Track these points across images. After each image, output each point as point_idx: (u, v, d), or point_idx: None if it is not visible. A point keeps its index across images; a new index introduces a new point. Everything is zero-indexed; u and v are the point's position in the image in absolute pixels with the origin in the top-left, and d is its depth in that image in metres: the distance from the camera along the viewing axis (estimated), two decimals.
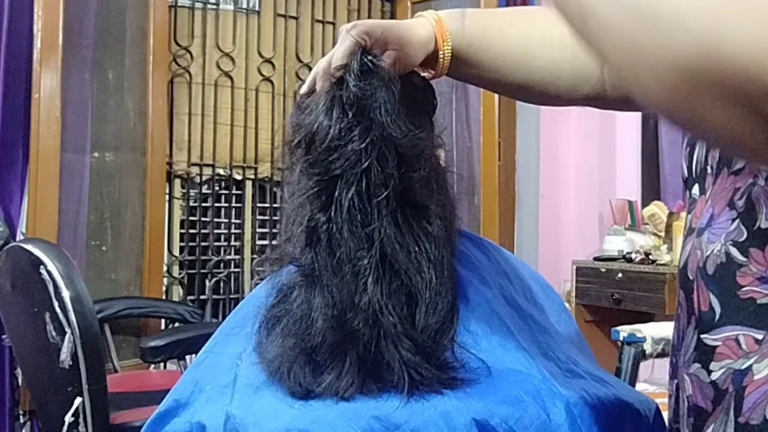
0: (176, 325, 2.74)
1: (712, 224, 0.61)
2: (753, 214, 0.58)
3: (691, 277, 0.63)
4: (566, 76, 0.80)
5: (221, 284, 3.16)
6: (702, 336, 0.61)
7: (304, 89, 0.73)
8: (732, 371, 0.58)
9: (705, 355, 0.60)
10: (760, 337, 0.56)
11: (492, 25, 0.79)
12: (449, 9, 0.78)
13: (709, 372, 0.60)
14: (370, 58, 0.67)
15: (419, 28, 0.74)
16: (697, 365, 0.61)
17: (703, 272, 0.61)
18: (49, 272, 1.84)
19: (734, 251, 0.58)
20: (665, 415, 0.72)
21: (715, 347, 0.59)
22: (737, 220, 0.59)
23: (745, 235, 0.58)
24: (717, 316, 0.59)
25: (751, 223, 0.58)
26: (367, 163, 0.64)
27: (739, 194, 0.59)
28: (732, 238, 0.59)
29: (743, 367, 0.57)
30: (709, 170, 0.64)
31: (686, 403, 0.62)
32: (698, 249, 0.62)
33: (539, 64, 0.79)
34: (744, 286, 0.58)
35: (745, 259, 0.58)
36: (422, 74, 0.78)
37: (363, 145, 0.64)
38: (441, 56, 0.75)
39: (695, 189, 0.66)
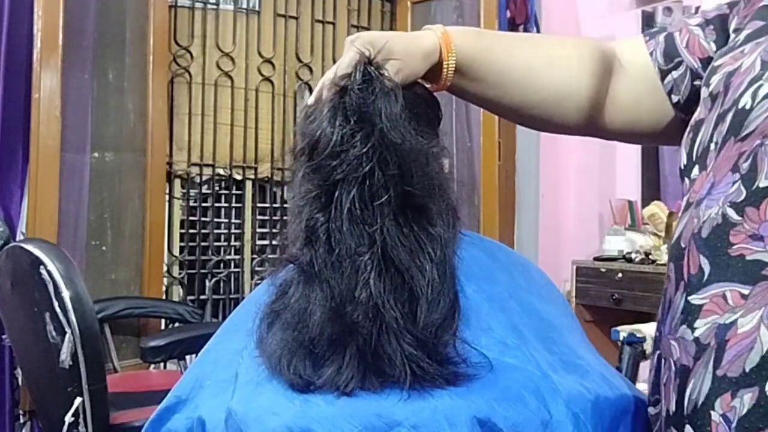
0: (176, 325, 2.74)
1: (711, 192, 0.61)
2: (755, 174, 0.58)
3: (683, 245, 0.63)
4: (573, 99, 0.80)
5: (221, 284, 3.16)
6: (689, 297, 0.61)
7: (311, 99, 0.74)
8: (716, 325, 0.58)
9: (691, 315, 0.61)
10: (746, 292, 0.57)
11: (498, 43, 0.80)
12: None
13: (693, 330, 0.60)
14: (372, 67, 0.68)
15: (424, 40, 0.76)
16: (683, 327, 0.61)
17: (696, 237, 0.62)
18: (49, 272, 1.84)
19: (730, 212, 0.59)
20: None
21: (701, 305, 0.60)
22: (738, 182, 0.59)
23: (743, 196, 0.58)
24: (705, 276, 0.60)
25: (751, 183, 0.58)
26: (368, 167, 0.65)
27: (744, 157, 0.59)
28: (730, 200, 0.59)
29: (728, 321, 0.57)
30: (712, 147, 0.64)
31: (674, 368, 0.62)
32: (695, 218, 0.62)
33: (544, 83, 0.79)
34: (735, 244, 0.58)
35: (739, 218, 0.58)
36: (426, 86, 0.79)
37: (364, 150, 0.65)
38: (445, 67, 0.76)
39: (695, 171, 0.66)
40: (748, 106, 0.60)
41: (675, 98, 0.79)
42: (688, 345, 0.60)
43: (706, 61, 0.75)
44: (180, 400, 0.71)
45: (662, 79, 0.79)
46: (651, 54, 0.79)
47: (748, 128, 0.59)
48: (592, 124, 0.82)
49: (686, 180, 0.68)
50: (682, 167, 0.69)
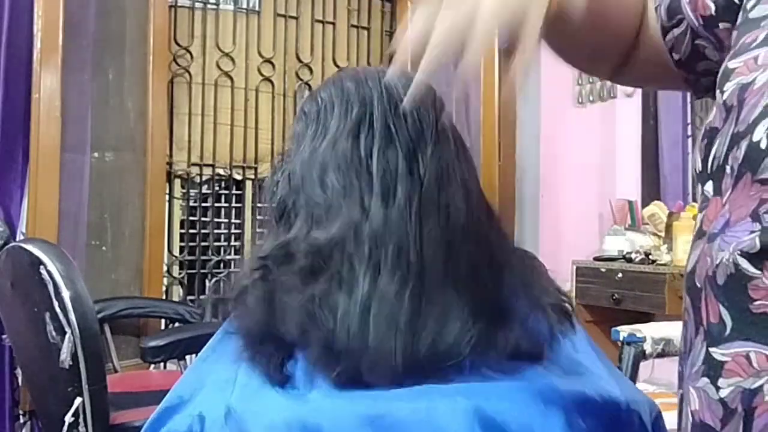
0: (176, 325, 2.74)
1: (726, 231, 0.58)
2: None
3: (699, 285, 0.61)
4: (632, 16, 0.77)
5: (221, 284, 3.16)
6: (711, 349, 0.58)
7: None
8: (741, 390, 0.55)
9: (713, 370, 0.58)
10: None
11: None
12: None
13: (718, 389, 0.57)
14: None
15: None
16: (705, 380, 0.59)
17: (712, 282, 0.59)
18: (49, 272, 1.84)
19: (743, 262, 0.56)
20: (667, 416, 0.71)
21: (724, 363, 0.57)
22: (757, 234, 0.56)
23: (757, 248, 0.55)
24: (728, 330, 0.57)
25: None
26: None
27: (766, 207, 0.56)
28: (741, 248, 0.56)
29: (753, 386, 0.55)
30: (728, 170, 0.61)
31: (690, 419, 0.60)
32: (708, 256, 0.60)
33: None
34: (756, 300, 0.55)
35: (758, 271, 0.55)
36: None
37: None
38: None
39: (709, 186, 0.63)
40: (763, 145, 0.57)
41: (676, 56, 0.75)
42: (713, 404, 0.58)
43: (708, 20, 0.71)
44: (182, 400, 0.72)
45: (664, 36, 0.75)
46: (656, 9, 0.76)
47: (765, 172, 0.56)
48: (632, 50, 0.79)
49: (700, 187, 0.66)
50: (698, 171, 0.66)
